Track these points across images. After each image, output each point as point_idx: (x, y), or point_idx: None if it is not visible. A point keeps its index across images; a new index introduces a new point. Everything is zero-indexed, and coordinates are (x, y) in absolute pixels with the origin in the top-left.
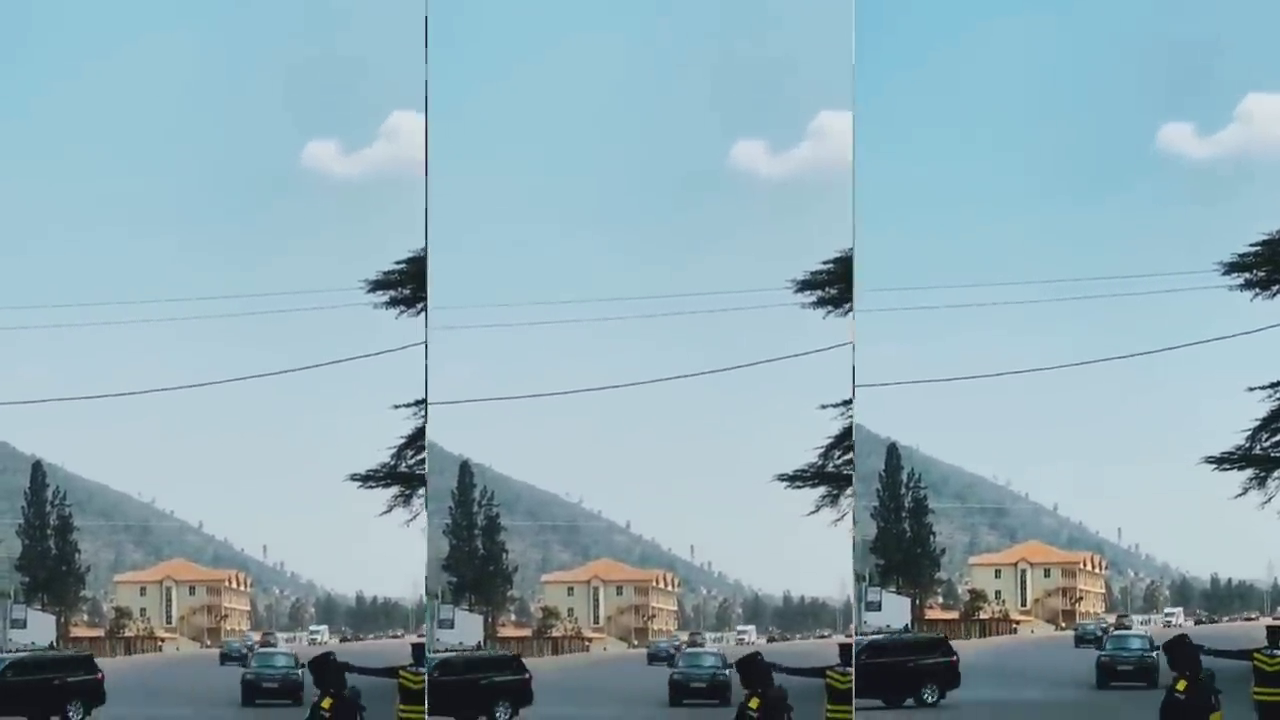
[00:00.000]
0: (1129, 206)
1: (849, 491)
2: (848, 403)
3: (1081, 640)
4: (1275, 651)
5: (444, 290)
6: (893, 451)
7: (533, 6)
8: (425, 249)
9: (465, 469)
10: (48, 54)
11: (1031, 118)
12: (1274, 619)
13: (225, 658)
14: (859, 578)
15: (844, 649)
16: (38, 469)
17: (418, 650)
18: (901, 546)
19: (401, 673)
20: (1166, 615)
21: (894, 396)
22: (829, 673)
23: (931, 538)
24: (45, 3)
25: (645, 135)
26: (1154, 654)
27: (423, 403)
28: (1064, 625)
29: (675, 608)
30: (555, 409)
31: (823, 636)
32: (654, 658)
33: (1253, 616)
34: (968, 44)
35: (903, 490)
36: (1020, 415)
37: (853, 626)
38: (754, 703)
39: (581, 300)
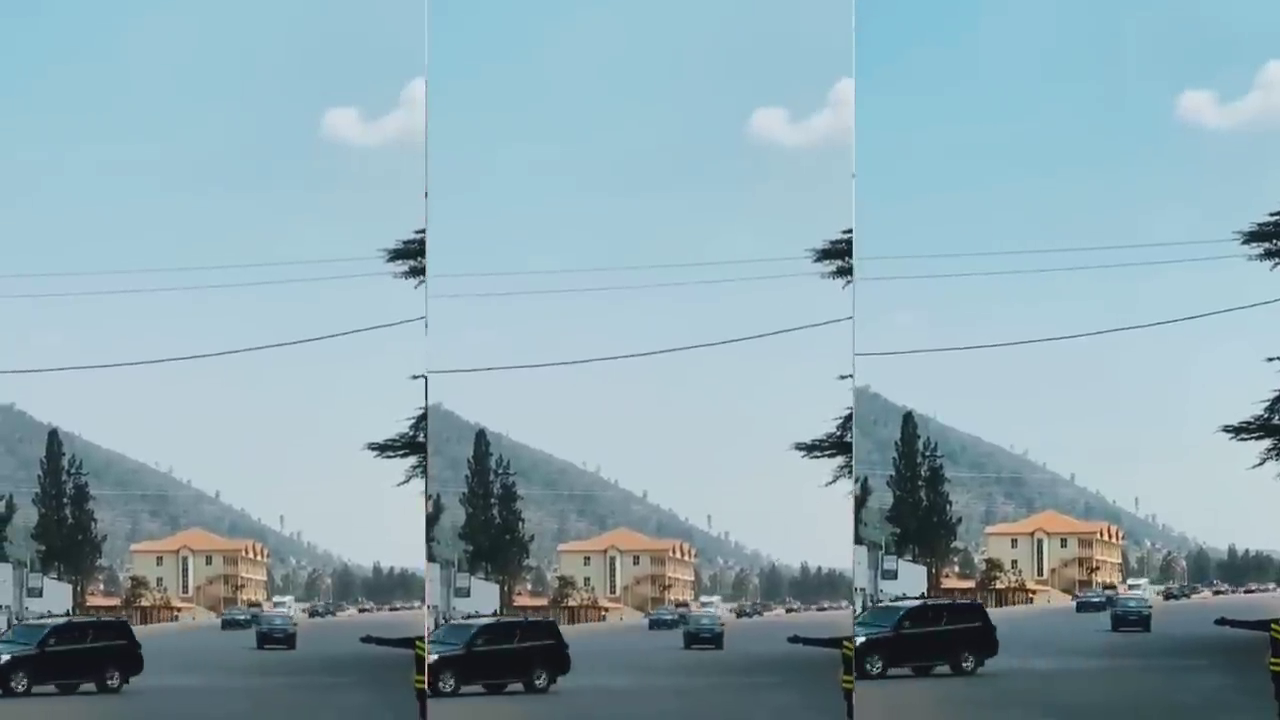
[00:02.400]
0: (1148, 174)
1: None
2: None
3: (1083, 607)
4: None
5: (456, 258)
6: (908, 420)
7: None
8: (425, 216)
9: (481, 437)
10: (68, 20)
11: (1049, 85)
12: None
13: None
14: (872, 545)
15: None
16: (54, 437)
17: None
18: (917, 515)
19: (418, 643)
20: (1130, 586)
21: (910, 365)
22: (845, 643)
23: (948, 506)
24: None
25: (662, 102)
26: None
27: (434, 373)
28: (1080, 595)
29: (692, 578)
30: (572, 378)
31: (792, 610)
32: (656, 624)
33: (1223, 589)
34: (983, 8)
35: (919, 459)
36: (1038, 384)
37: (859, 595)
38: None
39: (599, 268)
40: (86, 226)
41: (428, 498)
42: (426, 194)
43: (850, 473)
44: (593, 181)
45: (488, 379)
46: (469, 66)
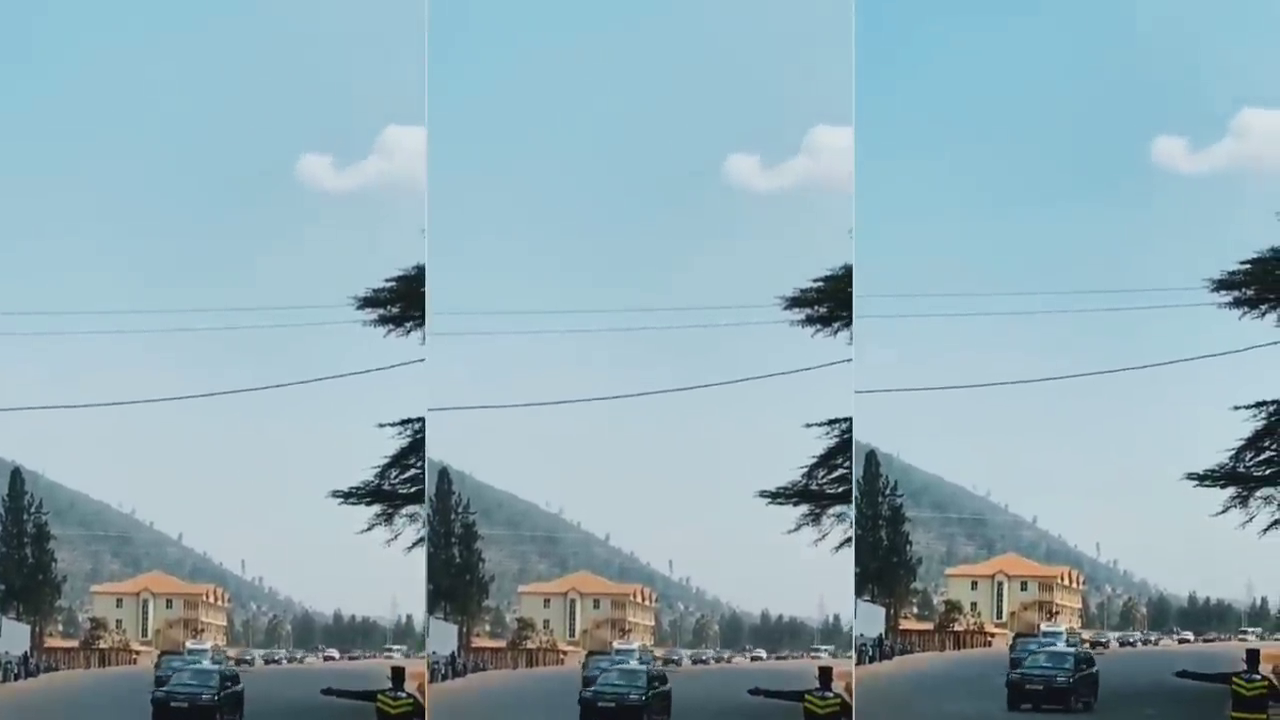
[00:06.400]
0: (1121, 221)
1: (831, 511)
2: (833, 422)
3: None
4: (1254, 676)
5: (431, 299)
6: (871, 459)
7: (528, 19)
8: (420, 264)
9: (444, 476)
10: (45, 59)
11: (1025, 132)
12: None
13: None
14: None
15: (823, 671)
16: (17, 475)
17: (397, 673)
18: (877, 555)
19: (380, 697)
20: (1046, 633)
21: (876, 405)
22: (808, 696)
23: (908, 546)
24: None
25: (638, 148)
26: None
27: (408, 422)
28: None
29: (652, 623)
30: (538, 419)
31: (668, 661)
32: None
33: (1153, 640)
34: (963, 59)
35: (880, 498)
36: (1002, 427)
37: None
38: None
39: (567, 311)
40: (54, 266)
41: (394, 546)
42: (426, 234)
43: (816, 521)
44: (557, 224)
45: (452, 418)
46: (450, 112)
